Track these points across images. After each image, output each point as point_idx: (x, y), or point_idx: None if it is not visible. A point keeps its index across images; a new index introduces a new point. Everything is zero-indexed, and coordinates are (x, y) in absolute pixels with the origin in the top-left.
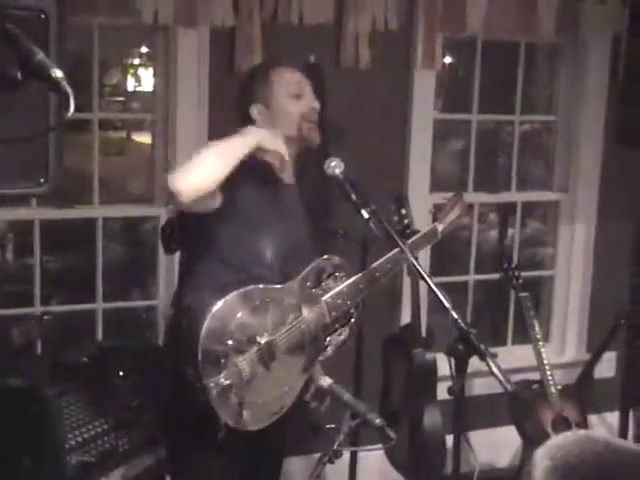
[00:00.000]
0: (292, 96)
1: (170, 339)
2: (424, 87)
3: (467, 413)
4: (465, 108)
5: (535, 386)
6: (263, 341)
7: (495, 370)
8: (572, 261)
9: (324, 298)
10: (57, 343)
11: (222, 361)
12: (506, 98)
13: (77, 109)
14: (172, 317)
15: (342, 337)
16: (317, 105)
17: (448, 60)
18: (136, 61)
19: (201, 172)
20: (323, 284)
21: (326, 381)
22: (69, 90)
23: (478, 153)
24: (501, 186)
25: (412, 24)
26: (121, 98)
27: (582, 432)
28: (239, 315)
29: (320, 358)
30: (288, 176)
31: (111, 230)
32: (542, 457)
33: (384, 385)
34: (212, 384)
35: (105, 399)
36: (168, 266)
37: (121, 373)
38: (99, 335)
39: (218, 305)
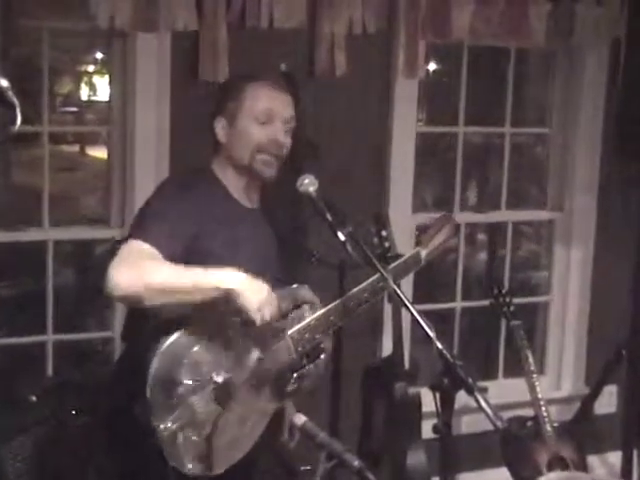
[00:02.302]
0: (257, 120)
1: (120, 375)
2: (406, 97)
3: (455, 453)
4: (451, 120)
5: (529, 423)
6: (220, 379)
7: (485, 406)
8: (569, 286)
9: (290, 332)
10: (2, 379)
11: (174, 401)
12: (495, 109)
13: (25, 121)
14: (124, 351)
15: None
16: (281, 138)
17: (432, 68)
18: (90, 68)
19: (145, 292)
20: (290, 316)
21: (299, 419)
22: (15, 101)
23: (465, 169)
24: (490, 204)
25: (393, 28)
26: (74, 109)
27: (565, 473)
28: (194, 350)
29: (286, 397)
30: (252, 201)
31: (63, 254)
32: None
33: (363, 423)
34: (162, 426)
35: (56, 441)
36: None
37: (74, 412)
38: (49, 370)
39: (170, 339)
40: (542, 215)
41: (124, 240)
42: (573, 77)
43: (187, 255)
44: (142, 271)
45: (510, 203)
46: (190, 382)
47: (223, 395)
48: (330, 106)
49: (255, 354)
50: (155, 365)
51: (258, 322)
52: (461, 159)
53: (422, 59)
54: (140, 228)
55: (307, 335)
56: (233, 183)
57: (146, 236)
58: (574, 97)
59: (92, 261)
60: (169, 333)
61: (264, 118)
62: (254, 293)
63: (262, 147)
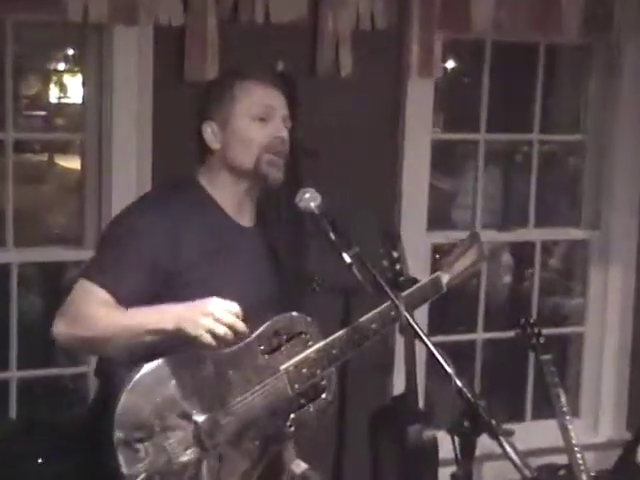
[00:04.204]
0: (256, 119)
1: (93, 416)
2: (420, 100)
3: None
4: (471, 126)
5: (562, 472)
6: (201, 419)
7: (510, 452)
8: (606, 315)
9: (284, 366)
10: None
11: (146, 445)
12: (522, 113)
13: None
14: (97, 389)
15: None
16: (285, 135)
17: (450, 66)
18: (61, 66)
19: (83, 344)
20: (283, 348)
21: (299, 467)
22: None
23: (487, 181)
24: (516, 222)
25: (405, 22)
26: (42, 113)
27: None
28: (171, 385)
29: (280, 443)
30: (246, 219)
31: (29, 278)
32: None
33: (372, 471)
34: (131, 474)
35: None
36: None
37: (40, 460)
38: (12, 411)
39: (140, 373)
40: (575, 234)
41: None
42: (611, 76)
43: (166, 287)
44: (82, 323)
45: (539, 220)
46: (166, 422)
47: (205, 438)
48: (334, 110)
49: (243, 390)
50: (122, 403)
51: (213, 344)
52: (483, 170)
53: (438, 57)
54: (94, 265)
55: (305, 370)
56: (226, 196)
57: (97, 277)
58: (612, 99)
59: (63, 287)
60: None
61: (263, 114)
62: (192, 321)
63: (268, 147)
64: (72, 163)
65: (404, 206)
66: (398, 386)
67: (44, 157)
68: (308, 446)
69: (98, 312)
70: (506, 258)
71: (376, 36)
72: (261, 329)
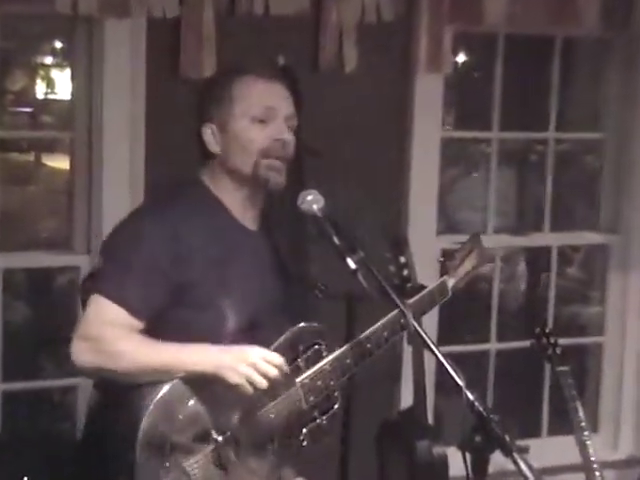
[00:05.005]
0: (255, 120)
1: (93, 432)
2: (429, 96)
3: None
4: (483, 123)
5: None
6: (220, 437)
7: (525, 469)
8: (626, 323)
9: (300, 379)
10: None
11: (165, 465)
12: (537, 110)
13: None
14: (96, 403)
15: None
16: (286, 137)
17: (460, 60)
18: (48, 60)
19: (108, 373)
20: (299, 360)
21: None
22: None
23: (500, 182)
24: (531, 225)
25: (413, 14)
26: (28, 109)
27: None
28: (190, 404)
29: (294, 456)
30: (251, 222)
31: (15, 285)
32: None
33: None
34: None
35: None
36: None
37: (26, 478)
38: None
39: (162, 392)
40: (593, 238)
41: (90, 278)
42: (631, 71)
43: (174, 294)
44: (105, 351)
45: (555, 224)
46: (186, 442)
47: (224, 455)
48: (338, 107)
49: (260, 406)
50: (145, 423)
51: (251, 391)
52: (495, 170)
53: (448, 50)
54: (107, 279)
55: (319, 382)
56: (230, 198)
57: (114, 294)
58: (632, 95)
59: (51, 294)
60: (158, 384)
61: (263, 116)
62: (233, 369)
63: (267, 151)
64: (60, 163)
65: (412, 208)
66: (406, 398)
67: (31, 156)
68: (312, 461)
69: (124, 341)
70: (520, 264)
71: (382, 29)
72: (278, 342)
